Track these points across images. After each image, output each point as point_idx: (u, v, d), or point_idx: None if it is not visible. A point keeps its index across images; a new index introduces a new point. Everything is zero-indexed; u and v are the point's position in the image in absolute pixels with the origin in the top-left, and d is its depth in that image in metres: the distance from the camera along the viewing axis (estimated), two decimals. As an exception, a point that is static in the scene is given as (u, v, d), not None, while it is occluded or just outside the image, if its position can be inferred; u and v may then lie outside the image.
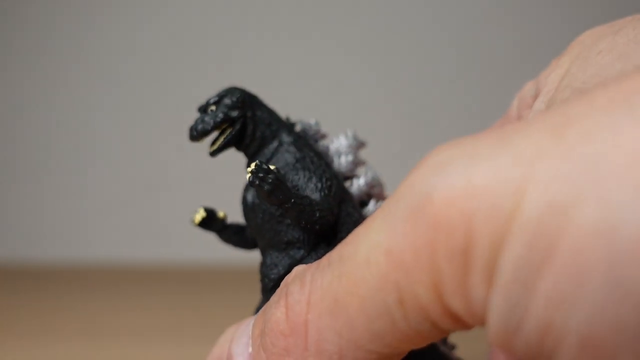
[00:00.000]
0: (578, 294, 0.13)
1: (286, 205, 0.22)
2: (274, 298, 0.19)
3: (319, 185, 0.23)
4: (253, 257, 0.28)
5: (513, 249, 0.14)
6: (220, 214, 0.26)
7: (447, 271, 0.15)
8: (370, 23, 0.66)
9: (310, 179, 0.23)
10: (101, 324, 0.47)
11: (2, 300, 0.53)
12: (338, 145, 0.25)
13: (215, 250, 0.38)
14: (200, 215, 0.26)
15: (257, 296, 0.25)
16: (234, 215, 0.27)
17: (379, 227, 0.16)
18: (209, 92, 0.27)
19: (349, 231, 0.24)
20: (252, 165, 0.22)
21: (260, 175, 0.21)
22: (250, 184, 0.22)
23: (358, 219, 0.24)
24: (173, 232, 0.64)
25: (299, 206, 0.22)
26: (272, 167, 0.22)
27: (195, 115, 0.25)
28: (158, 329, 0.45)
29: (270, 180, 0.21)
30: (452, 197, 0.15)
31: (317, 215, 0.22)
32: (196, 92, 0.41)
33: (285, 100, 0.34)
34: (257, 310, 0.26)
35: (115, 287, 0.57)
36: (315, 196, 0.23)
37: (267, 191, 0.21)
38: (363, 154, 0.26)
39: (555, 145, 0.14)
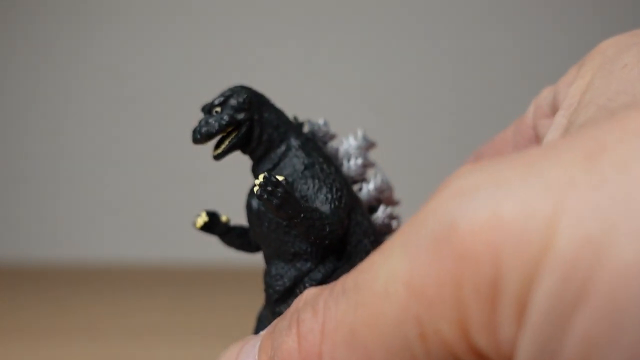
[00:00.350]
0: (614, 334, 0.13)
1: (295, 220, 0.21)
2: (283, 323, 0.18)
3: (329, 196, 0.22)
4: (255, 259, 0.27)
5: (545, 285, 0.13)
6: (223, 217, 0.25)
7: (474, 307, 0.14)
8: (382, 21, 0.65)
9: (320, 189, 0.22)
10: (102, 324, 0.46)
11: (4, 300, 0.53)
12: (347, 147, 0.24)
13: (217, 251, 0.37)
14: (202, 219, 0.25)
15: (259, 298, 0.25)
16: (238, 216, 0.26)
17: (398, 255, 0.15)
18: (214, 92, 0.25)
19: (358, 241, 0.23)
20: (260, 177, 0.20)
21: (269, 188, 0.20)
22: (258, 197, 0.21)
23: (367, 227, 0.23)
24: (175, 233, 0.63)
25: (309, 220, 0.21)
26: (280, 178, 0.21)
27: (200, 115, 0.24)
28: (159, 330, 0.45)
29: (279, 194, 0.20)
30: (479, 227, 0.14)
31: (327, 230, 0.21)
32: (201, 92, 0.40)
33: (292, 99, 0.33)
34: (259, 318, 0.25)
35: (117, 288, 0.57)
36: (325, 208, 0.22)
37: (275, 205, 0.20)
38: (372, 154, 0.26)
39: (587, 175, 0.13)
